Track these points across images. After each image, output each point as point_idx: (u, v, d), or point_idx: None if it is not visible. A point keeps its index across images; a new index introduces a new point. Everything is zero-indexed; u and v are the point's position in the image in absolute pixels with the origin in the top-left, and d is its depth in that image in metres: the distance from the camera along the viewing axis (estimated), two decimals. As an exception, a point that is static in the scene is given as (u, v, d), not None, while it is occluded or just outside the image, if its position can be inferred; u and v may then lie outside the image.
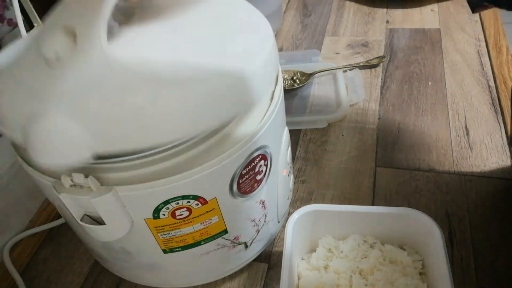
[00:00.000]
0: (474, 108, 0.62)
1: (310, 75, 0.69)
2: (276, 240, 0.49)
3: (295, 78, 0.69)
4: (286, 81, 0.69)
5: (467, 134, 0.58)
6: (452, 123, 0.60)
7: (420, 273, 0.41)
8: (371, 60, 0.72)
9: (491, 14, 0.78)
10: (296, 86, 0.68)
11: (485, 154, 0.55)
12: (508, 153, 0.55)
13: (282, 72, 0.68)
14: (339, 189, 0.54)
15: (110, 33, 0.29)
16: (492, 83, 0.65)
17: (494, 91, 0.64)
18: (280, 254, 0.48)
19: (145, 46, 0.31)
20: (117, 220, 0.32)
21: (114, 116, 0.27)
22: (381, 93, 0.66)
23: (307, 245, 0.45)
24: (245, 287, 0.46)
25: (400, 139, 0.59)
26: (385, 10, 0.84)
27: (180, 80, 0.28)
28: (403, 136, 0.59)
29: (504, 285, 0.43)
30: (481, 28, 0.76)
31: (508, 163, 0.54)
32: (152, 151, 0.30)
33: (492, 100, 0.62)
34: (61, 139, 0.27)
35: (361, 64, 0.71)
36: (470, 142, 0.57)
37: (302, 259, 0.44)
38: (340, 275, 0.41)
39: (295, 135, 0.61)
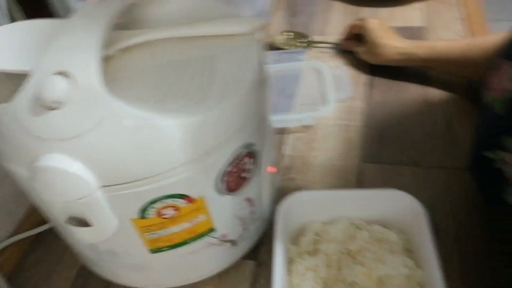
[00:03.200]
0: (456, 101, 0.63)
1: (312, 42, 0.77)
2: (263, 238, 0.49)
3: (299, 42, 0.77)
4: (291, 42, 0.77)
5: (450, 127, 0.59)
6: (435, 117, 0.61)
7: (407, 250, 0.43)
8: None
9: (476, 12, 0.79)
10: (296, 47, 0.76)
11: (467, 148, 0.56)
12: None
13: (289, 33, 0.78)
14: (326, 185, 0.54)
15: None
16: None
17: (474, 86, 0.65)
18: (268, 251, 0.48)
19: (135, 82, 0.33)
20: (103, 221, 0.32)
21: (116, 153, 0.29)
22: (367, 90, 0.67)
23: (297, 231, 0.46)
24: (233, 285, 0.46)
25: (386, 135, 0.60)
26: (371, 9, 0.85)
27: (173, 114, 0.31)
28: (388, 132, 0.60)
29: (485, 268, 0.44)
30: (465, 26, 0.77)
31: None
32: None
33: (472, 94, 0.63)
34: (66, 176, 0.29)
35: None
36: (453, 136, 0.58)
37: (293, 244, 0.45)
38: (329, 257, 0.42)
39: (282, 133, 0.62)
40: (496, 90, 0.39)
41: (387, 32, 0.67)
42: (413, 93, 0.66)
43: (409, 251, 0.43)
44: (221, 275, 0.46)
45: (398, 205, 0.44)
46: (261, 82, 0.36)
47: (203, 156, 0.33)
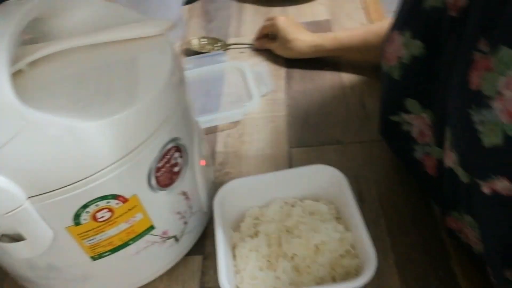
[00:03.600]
0: (366, 82, 0.69)
1: (228, 45, 0.81)
2: (207, 231, 0.51)
3: (216, 46, 0.80)
4: (207, 46, 0.80)
5: (364, 106, 0.65)
6: (350, 98, 0.67)
7: (337, 218, 0.47)
8: None
9: (375, 2, 0.88)
10: (214, 51, 0.79)
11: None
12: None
13: (205, 39, 0.82)
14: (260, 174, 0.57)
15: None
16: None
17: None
18: (213, 244, 0.49)
19: (51, 92, 0.34)
20: (37, 233, 0.32)
21: (39, 162, 0.30)
22: (286, 82, 0.72)
23: (237, 218, 0.48)
24: (184, 281, 0.47)
25: (308, 121, 0.64)
26: (280, 8, 0.90)
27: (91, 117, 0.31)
28: (310, 118, 0.65)
29: (408, 226, 0.49)
30: (365, 15, 0.85)
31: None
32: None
33: (379, 74, 0.70)
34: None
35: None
36: (367, 113, 0.64)
37: (234, 231, 0.48)
38: (270, 236, 0.45)
39: (213, 131, 0.64)
40: (391, 59, 0.44)
41: (296, 27, 0.73)
42: (328, 80, 0.71)
43: (339, 218, 0.47)
44: (169, 274, 0.47)
45: (324, 179, 0.48)
46: (178, 78, 0.38)
47: (130, 155, 0.34)
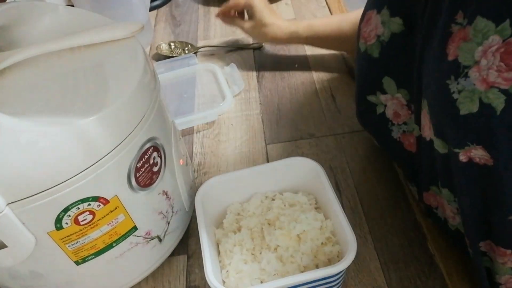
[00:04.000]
0: (335, 77, 0.71)
1: (198, 48, 0.81)
2: (190, 230, 0.51)
3: (185, 49, 0.81)
4: (177, 50, 0.81)
5: (334, 100, 0.67)
6: (320, 94, 0.69)
7: (316, 208, 0.49)
8: (252, 44, 0.80)
9: (338, 0, 0.90)
10: (184, 54, 0.80)
11: (351, 114, 0.64)
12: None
13: (174, 43, 0.82)
14: (238, 171, 0.58)
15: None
16: (346, 54, 0.76)
17: (348, 61, 0.74)
18: (197, 242, 0.50)
19: (23, 99, 0.33)
20: (18, 239, 0.32)
21: (16, 168, 0.30)
22: (258, 81, 0.73)
23: (219, 214, 0.49)
24: (169, 281, 0.47)
25: (282, 117, 0.66)
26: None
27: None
28: (284, 114, 0.66)
29: (385, 212, 0.51)
30: (329, 12, 0.88)
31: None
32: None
33: (348, 68, 0.73)
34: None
35: (242, 46, 0.80)
36: (338, 107, 0.66)
37: (217, 228, 0.48)
38: (252, 230, 0.46)
39: (189, 133, 0.65)
40: (370, 38, 0.45)
41: (272, 11, 0.70)
42: (299, 77, 0.73)
43: (318, 208, 0.49)
44: (155, 275, 0.47)
45: (302, 170, 0.49)
46: (150, 78, 0.39)
47: (108, 156, 0.34)
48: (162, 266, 0.47)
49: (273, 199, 0.50)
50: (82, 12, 0.45)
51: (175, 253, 0.48)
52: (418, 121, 0.42)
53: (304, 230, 0.45)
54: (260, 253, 0.45)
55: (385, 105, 0.47)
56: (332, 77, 0.72)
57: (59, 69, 0.37)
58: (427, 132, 0.40)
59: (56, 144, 0.31)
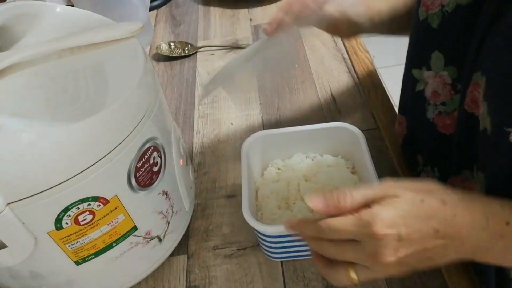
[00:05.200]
0: (335, 78, 0.71)
1: (198, 48, 0.81)
2: (189, 231, 0.51)
3: (185, 49, 0.80)
4: (177, 50, 0.81)
5: (334, 100, 0.67)
6: (320, 94, 0.69)
7: (352, 173, 0.51)
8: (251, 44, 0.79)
9: None
10: (184, 54, 0.80)
11: (351, 113, 0.64)
12: (368, 109, 0.65)
13: (174, 43, 0.82)
14: (238, 171, 0.58)
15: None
16: (346, 55, 0.76)
17: (349, 61, 0.74)
18: (197, 242, 0.50)
19: (24, 100, 0.33)
20: (18, 239, 0.32)
21: (16, 168, 0.30)
22: (258, 81, 0.73)
23: (262, 167, 0.53)
24: (169, 281, 0.47)
25: (281, 117, 0.66)
26: (246, 10, 0.92)
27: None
28: (283, 114, 0.66)
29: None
30: None
31: (369, 116, 0.64)
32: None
33: (348, 69, 0.73)
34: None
35: (242, 46, 0.80)
36: (337, 107, 0.66)
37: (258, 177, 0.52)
38: (289, 183, 0.50)
39: (189, 133, 0.65)
40: (432, 6, 0.42)
41: None
42: (298, 78, 0.73)
43: (354, 173, 0.52)
44: (155, 275, 0.47)
45: (343, 136, 0.51)
46: (150, 78, 0.39)
47: (108, 156, 0.34)
48: (162, 266, 0.47)
49: (312, 160, 0.53)
50: (81, 12, 0.45)
51: (175, 253, 0.48)
52: (462, 99, 0.41)
53: (337, 186, 0.48)
54: (294, 203, 0.48)
55: (426, 83, 0.45)
56: (332, 76, 0.72)
57: (59, 69, 0.37)
58: (475, 109, 0.38)
59: (56, 144, 0.31)
